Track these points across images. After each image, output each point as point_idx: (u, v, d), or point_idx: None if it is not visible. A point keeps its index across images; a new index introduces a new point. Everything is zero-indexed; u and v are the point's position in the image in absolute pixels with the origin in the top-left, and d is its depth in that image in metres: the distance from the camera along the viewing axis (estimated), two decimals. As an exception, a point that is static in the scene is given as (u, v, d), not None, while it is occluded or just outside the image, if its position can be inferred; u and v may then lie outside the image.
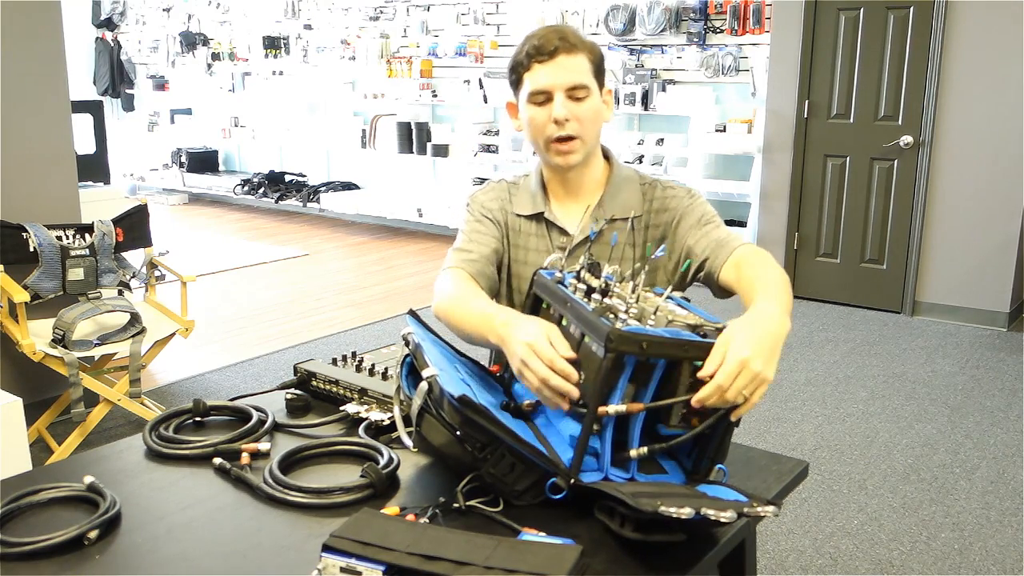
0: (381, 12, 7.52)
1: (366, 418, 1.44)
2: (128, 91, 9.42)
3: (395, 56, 7.48)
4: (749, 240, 5.49)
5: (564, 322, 1.32)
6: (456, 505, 1.17)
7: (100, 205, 3.73)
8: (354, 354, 1.66)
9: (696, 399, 1.15)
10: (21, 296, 3.02)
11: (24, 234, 3.16)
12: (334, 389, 1.55)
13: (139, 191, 9.02)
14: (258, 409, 1.48)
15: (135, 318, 3.18)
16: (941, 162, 4.88)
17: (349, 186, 8.12)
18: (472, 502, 1.18)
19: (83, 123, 4.43)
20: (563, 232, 1.68)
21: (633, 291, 1.32)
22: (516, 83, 1.62)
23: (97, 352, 3.08)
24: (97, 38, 9.16)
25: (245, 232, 7.62)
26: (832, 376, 4.08)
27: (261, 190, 8.29)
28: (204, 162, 9.04)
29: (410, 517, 1.11)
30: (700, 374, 1.16)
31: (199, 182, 8.86)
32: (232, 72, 8.77)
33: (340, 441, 1.37)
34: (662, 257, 1.66)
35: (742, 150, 5.69)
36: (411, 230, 7.70)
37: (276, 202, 8.19)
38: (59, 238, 3.21)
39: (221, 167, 9.26)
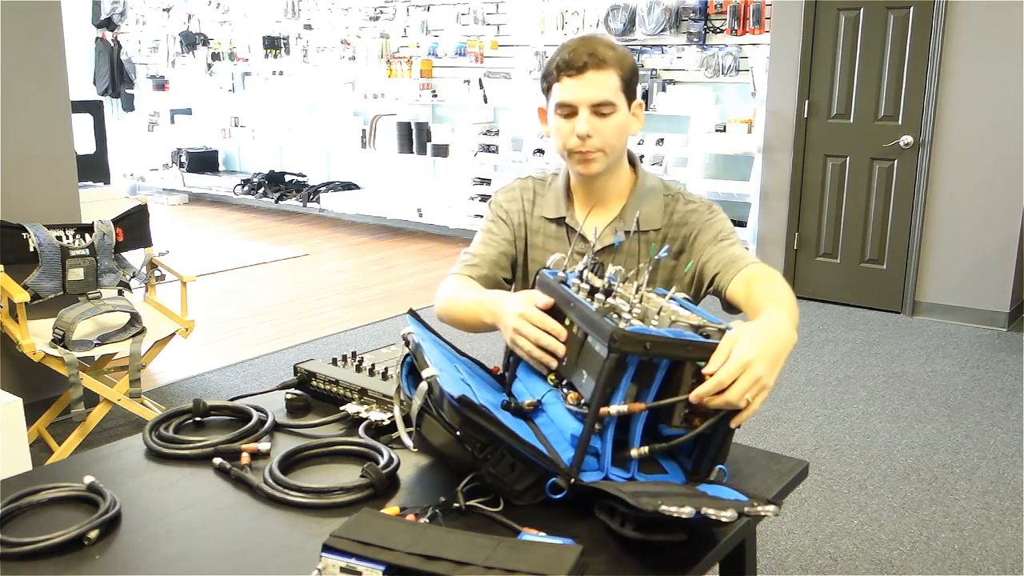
0: (381, 12, 7.52)
1: (366, 418, 1.44)
2: (128, 91, 9.42)
3: (395, 56, 7.48)
4: (747, 241, 5.51)
5: (567, 322, 1.32)
6: (456, 505, 1.17)
7: (100, 205, 3.73)
8: (354, 354, 1.66)
9: (695, 394, 1.15)
10: (21, 296, 3.02)
11: (24, 234, 3.16)
12: (334, 389, 1.55)
13: (139, 191, 9.01)
14: (258, 409, 1.48)
15: (135, 318, 3.18)
16: (941, 162, 4.88)
17: (349, 186, 8.12)
18: (472, 502, 1.18)
19: (83, 123, 4.43)
20: (583, 239, 1.69)
21: (636, 291, 1.32)
22: (547, 91, 1.65)
23: (97, 352, 3.08)
24: (97, 38, 9.16)
25: (245, 232, 7.62)
26: (832, 376, 4.08)
27: (261, 190, 8.29)
28: (204, 162, 9.04)
29: (410, 517, 1.11)
30: (704, 370, 1.16)
31: (199, 182, 8.86)
32: (232, 72, 8.77)
33: (340, 441, 1.37)
34: (677, 269, 1.68)
35: (742, 150, 5.69)
36: (411, 230, 7.70)
37: (276, 202, 8.19)
38: (59, 238, 3.21)
39: (221, 167, 9.26)
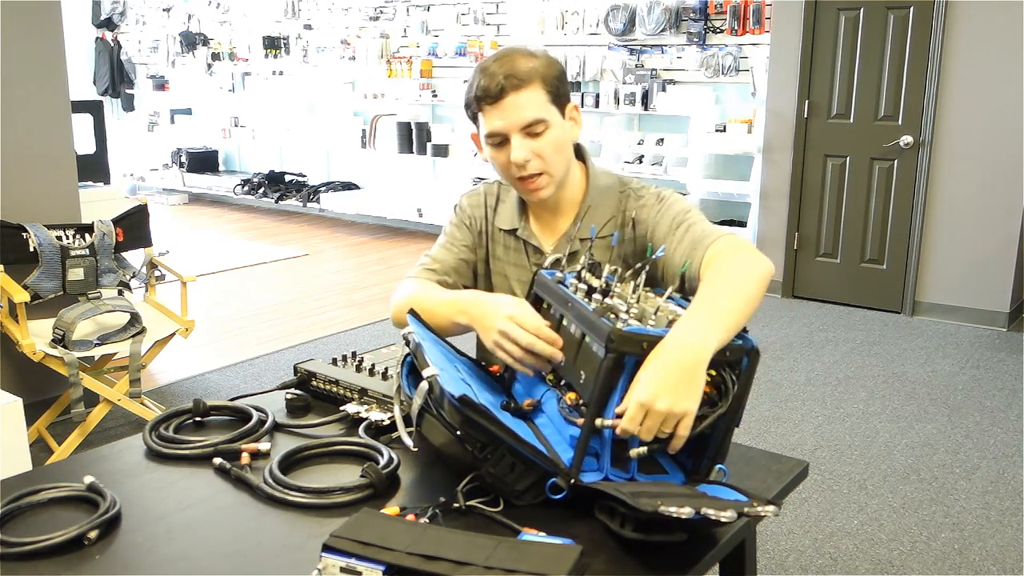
0: (381, 12, 7.52)
1: (366, 418, 1.44)
2: (128, 91, 9.41)
3: (395, 56, 7.48)
4: (746, 236, 5.50)
5: (565, 322, 1.32)
6: (456, 505, 1.17)
7: (100, 205, 3.73)
8: (354, 354, 1.66)
9: (619, 431, 1.16)
10: (21, 296, 3.02)
11: (24, 234, 3.16)
12: (334, 389, 1.55)
13: (139, 191, 9.01)
14: (258, 409, 1.47)
15: (135, 318, 3.18)
16: (941, 162, 4.88)
17: (349, 186, 8.12)
18: (472, 502, 1.18)
19: (83, 123, 4.43)
20: (538, 251, 1.66)
21: (634, 291, 1.32)
22: (473, 119, 1.58)
23: (97, 352, 3.08)
24: (97, 38, 9.16)
25: (245, 232, 7.62)
26: (832, 376, 4.08)
27: (261, 190, 8.29)
28: (204, 162, 9.04)
29: (410, 517, 1.11)
30: (617, 410, 1.16)
31: (199, 182, 8.86)
32: (232, 72, 8.77)
33: (340, 441, 1.37)
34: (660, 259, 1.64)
35: (742, 150, 5.69)
36: (411, 230, 7.70)
37: (276, 202, 8.19)
38: (59, 238, 3.21)
39: (221, 167, 9.26)
